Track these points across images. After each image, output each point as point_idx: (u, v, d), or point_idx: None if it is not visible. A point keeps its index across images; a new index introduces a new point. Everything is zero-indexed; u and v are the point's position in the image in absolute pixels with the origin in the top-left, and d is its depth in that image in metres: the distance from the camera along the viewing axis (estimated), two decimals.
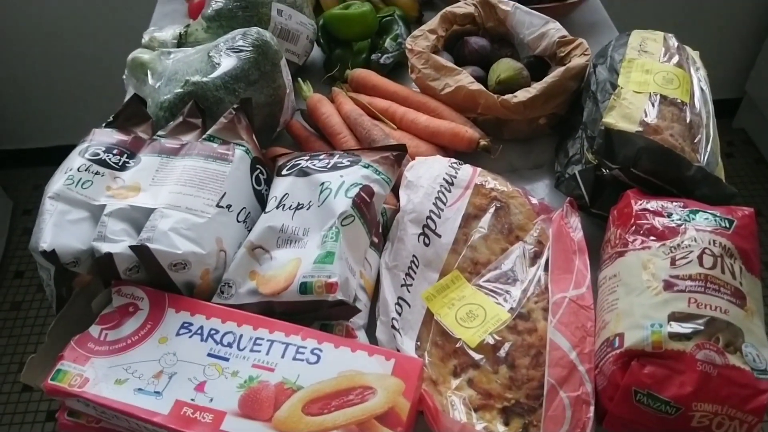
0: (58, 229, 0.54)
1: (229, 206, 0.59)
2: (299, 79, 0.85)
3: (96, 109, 1.89)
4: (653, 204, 0.59)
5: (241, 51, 0.73)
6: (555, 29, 0.82)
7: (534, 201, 0.69)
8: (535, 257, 0.64)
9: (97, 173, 0.58)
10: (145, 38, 0.88)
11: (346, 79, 0.87)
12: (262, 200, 0.64)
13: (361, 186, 0.59)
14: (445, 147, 0.77)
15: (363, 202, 0.59)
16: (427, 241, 0.63)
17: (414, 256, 0.61)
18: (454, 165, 0.69)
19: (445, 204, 0.65)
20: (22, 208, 1.95)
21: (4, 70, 1.79)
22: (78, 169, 0.58)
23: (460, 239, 0.64)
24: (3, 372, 1.59)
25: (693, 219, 0.57)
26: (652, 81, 0.67)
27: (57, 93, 1.87)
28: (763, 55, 1.93)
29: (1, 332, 1.67)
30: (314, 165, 0.63)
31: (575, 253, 0.63)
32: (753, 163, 2.05)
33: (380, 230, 0.64)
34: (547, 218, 0.68)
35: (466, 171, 0.68)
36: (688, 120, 0.64)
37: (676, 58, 0.70)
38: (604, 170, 0.65)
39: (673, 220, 0.57)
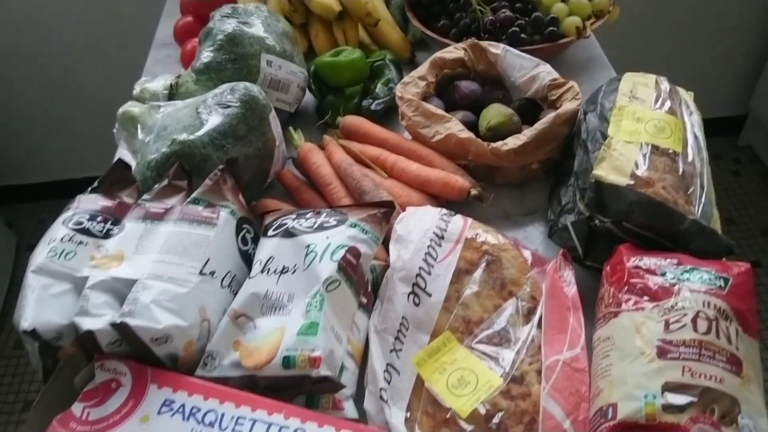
0: (40, 304, 0.53)
1: (212, 272, 0.58)
2: (290, 128, 0.84)
3: (98, 144, 1.90)
4: (646, 261, 0.58)
5: (229, 107, 0.72)
6: (546, 72, 0.81)
7: (527, 253, 0.67)
8: (529, 314, 0.63)
9: (80, 243, 0.58)
10: (137, 89, 0.88)
11: (338, 124, 0.87)
12: (248, 260, 0.64)
13: (347, 248, 0.58)
14: (437, 196, 0.76)
15: (349, 265, 0.58)
16: (417, 300, 0.61)
17: (404, 317, 0.60)
18: (445, 217, 0.68)
19: (435, 259, 0.64)
20: (26, 244, 1.96)
21: (9, 106, 1.82)
22: (61, 240, 0.58)
23: (451, 296, 0.62)
24: (8, 411, 1.59)
25: (687, 278, 0.55)
26: (644, 130, 0.65)
27: (60, 128, 1.89)
28: (767, 72, 1.91)
29: (5, 371, 1.67)
30: (300, 225, 0.62)
31: (569, 310, 0.61)
32: (760, 179, 2.02)
33: (369, 289, 0.63)
34: (541, 271, 0.66)
35: (457, 223, 0.67)
36: (680, 171, 0.63)
37: (668, 104, 0.69)
38: (597, 222, 0.64)
39: (666, 279, 0.56)
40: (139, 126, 0.78)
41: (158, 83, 0.87)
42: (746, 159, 2.07)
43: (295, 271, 0.58)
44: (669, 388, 0.49)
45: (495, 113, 0.79)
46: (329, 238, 0.59)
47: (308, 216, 0.64)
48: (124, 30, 1.65)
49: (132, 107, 0.80)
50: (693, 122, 0.69)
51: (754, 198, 1.96)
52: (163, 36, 1.13)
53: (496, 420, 0.54)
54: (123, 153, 0.85)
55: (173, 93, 0.85)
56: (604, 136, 0.66)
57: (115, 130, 0.81)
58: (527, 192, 0.80)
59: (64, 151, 1.95)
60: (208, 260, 0.58)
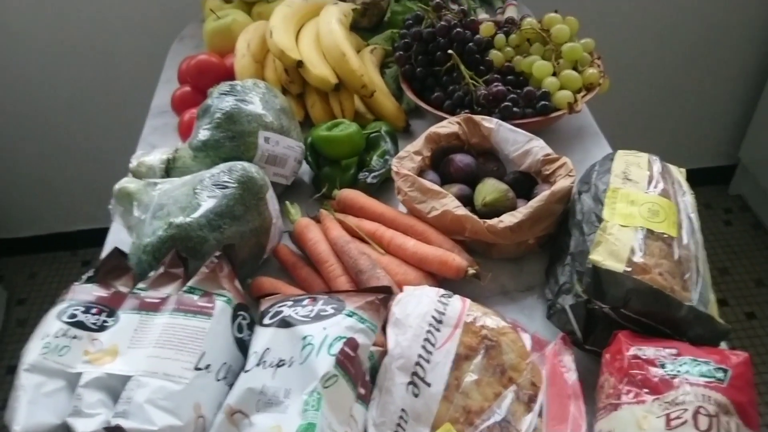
0: (33, 406, 0.52)
1: (208, 366, 0.57)
2: (287, 202, 0.84)
3: (91, 199, 1.92)
4: (646, 351, 0.58)
5: (226, 187, 0.73)
6: (539, 147, 0.83)
7: (525, 336, 0.67)
8: (530, 401, 0.62)
9: (74, 337, 0.57)
10: (133, 163, 0.88)
11: (334, 196, 0.87)
12: (243, 347, 0.63)
13: (344, 340, 0.58)
14: (433, 273, 0.76)
15: (347, 358, 0.57)
16: (416, 391, 0.61)
17: (402, 410, 0.59)
18: (443, 299, 0.67)
19: (434, 346, 0.63)
20: (16, 298, 1.94)
21: (3, 161, 1.82)
22: (55, 335, 0.57)
23: (451, 384, 0.62)
24: None
25: (687, 371, 0.55)
26: (638, 214, 0.66)
27: (53, 183, 1.89)
28: (755, 123, 1.95)
29: None
30: (297, 314, 0.62)
31: (570, 398, 0.61)
32: (751, 229, 2.04)
33: (367, 378, 0.62)
34: (541, 354, 0.66)
35: (455, 306, 0.67)
36: (676, 256, 0.63)
37: (661, 185, 0.70)
38: (595, 306, 0.64)
39: (667, 371, 0.55)
40: (135, 203, 0.78)
41: (155, 157, 0.87)
42: (737, 209, 2.09)
43: (291, 364, 0.57)
44: None
45: (490, 189, 0.80)
46: (326, 329, 0.59)
47: (305, 303, 0.63)
48: (119, 91, 1.67)
49: (128, 183, 0.80)
50: (686, 203, 0.70)
51: (746, 248, 1.97)
52: (161, 103, 1.14)
53: None
54: (117, 227, 0.85)
55: (170, 167, 0.85)
56: (600, 219, 0.67)
57: (110, 206, 0.81)
58: (525, 266, 0.80)
59: (56, 206, 1.95)
60: (204, 354, 0.57)
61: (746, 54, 1.84)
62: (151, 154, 0.89)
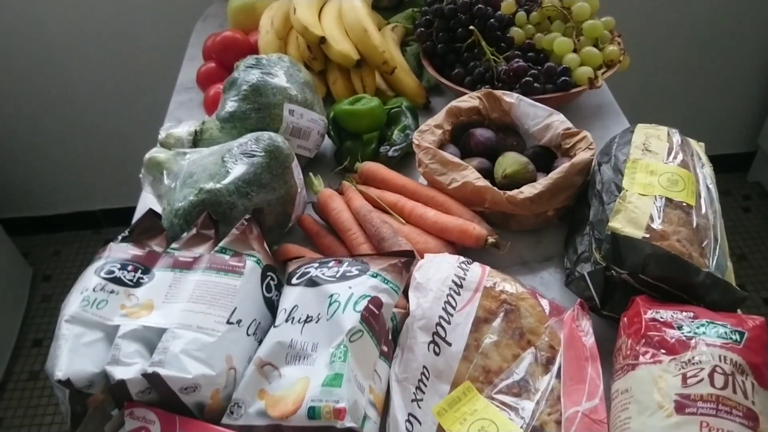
0: (73, 354, 0.55)
1: (239, 321, 0.60)
2: (310, 174, 0.87)
3: (114, 179, 1.96)
4: (663, 314, 0.59)
5: (254, 156, 0.75)
6: (559, 121, 0.84)
7: (544, 302, 0.69)
8: (548, 363, 0.64)
9: (112, 292, 0.60)
10: (162, 135, 0.91)
11: (356, 169, 0.89)
12: (272, 307, 0.65)
13: (369, 298, 0.60)
14: (454, 243, 0.77)
15: (372, 315, 0.59)
16: (437, 350, 0.63)
17: (424, 367, 0.61)
18: (463, 265, 0.69)
19: (454, 308, 0.65)
20: (41, 275, 1.99)
21: (29, 141, 1.86)
22: (93, 289, 0.60)
23: (471, 345, 0.64)
24: None
25: (703, 332, 0.56)
26: (657, 183, 0.67)
27: (78, 163, 1.93)
28: None
29: (19, 402, 1.68)
30: (323, 274, 0.64)
31: (587, 360, 0.62)
32: None
33: (390, 337, 0.64)
34: (559, 320, 0.67)
35: (475, 272, 0.69)
36: (694, 224, 0.64)
37: (680, 157, 0.71)
38: (613, 272, 0.65)
39: (683, 333, 0.57)
40: (164, 172, 0.80)
41: (183, 129, 0.90)
42: (756, 195, 2.08)
43: (318, 320, 0.60)
44: None
45: (510, 161, 0.81)
46: (351, 288, 0.61)
47: (330, 265, 0.65)
48: (145, 71, 1.70)
49: (158, 153, 0.82)
50: (705, 174, 0.71)
51: (765, 234, 1.96)
52: (186, 80, 1.16)
53: None
54: (147, 196, 0.88)
55: (198, 139, 0.88)
56: (619, 189, 0.68)
57: (141, 175, 0.83)
58: (543, 238, 0.82)
59: (81, 185, 1.99)
60: (235, 309, 0.60)
61: (766, 40, 1.82)
62: (179, 126, 0.91)
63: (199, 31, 1.32)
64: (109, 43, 1.65)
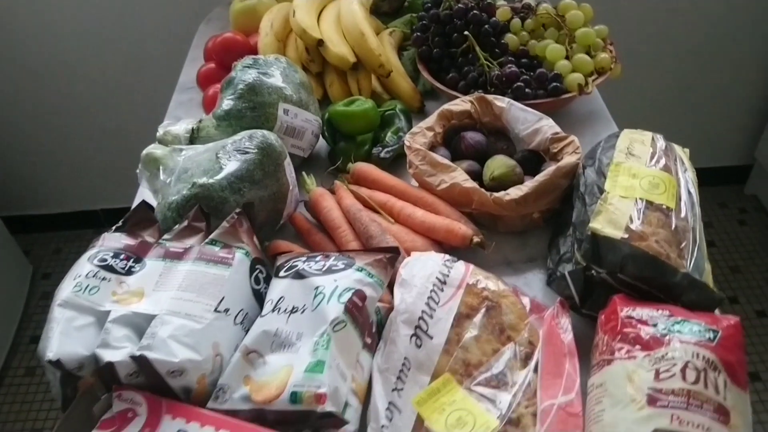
0: (65, 337, 0.57)
1: (227, 310, 0.62)
2: (303, 173, 0.89)
3: (115, 178, 1.98)
4: (639, 312, 0.60)
5: (247, 153, 0.77)
6: (548, 126, 0.86)
7: (525, 300, 0.70)
8: (527, 358, 0.65)
9: (104, 279, 0.62)
10: (160, 132, 0.93)
11: (349, 170, 0.91)
12: (260, 299, 0.67)
13: (353, 291, 0.62)
14: (440, 242, 0.79)
15: (355, 307, 0.61)
16: (419, 342, 0.64)
17: (406, 358, 0.63)
18: (447, 263, 0.71)
19: (437, 304, 0.67)
20: (41, 272, 2.01)
21: (31, 140, 1.89)
22: (86, 276, 0.62)
23: (452, 339, 0.65)
24: None
25: (678, 330, 0.58)
26: (639, 186, 0.69)
27: (79, 162, 1.96)
28: None
29: (14, 398, 1.69)
30: (310, 267, 0.66)
31: (565, 356, 0.64)
32: (765, 229, 2.04)
33: (374, 330, 0.66)
34: (539, 317, 0.69)
35: (459, 270, 0.70)
36: (673, 226, 0.66)
37: (663, 161, 0.73)
38: (593, 272, 0.67)
39: (658, 330, 0.58)
40: (161, 167, 0.82)
41: (180, 127, 0.92)
42: (752, 208, 2.09)
43: (304, 311, 0.61)
44: None
45: (499, 164, 0.83)
46: (337, 281, 0.63)
47: (318, 259, 0.67)
48: (150, 72, 1.73)
49: (155, 149, 0.84)
50: (687, 179, 0.73)
51: (760, 247, 1.97)
52: (187, 80, 1.19)
53: None
54: (144, 192, 0.90)
55: (194, 137, 0.90)
56: (601, 191, 0.70)
57: (137, 170, 0.85)
58: (529, 240, 0.83)
59: (82, 184, 2.02)
60: (223, 298, 0.61)
61: (763, 53, 1.84)
62: (176, 124, 0.94)
63: (202, 33, 1.34)
64: (113, 44, 1.68)
